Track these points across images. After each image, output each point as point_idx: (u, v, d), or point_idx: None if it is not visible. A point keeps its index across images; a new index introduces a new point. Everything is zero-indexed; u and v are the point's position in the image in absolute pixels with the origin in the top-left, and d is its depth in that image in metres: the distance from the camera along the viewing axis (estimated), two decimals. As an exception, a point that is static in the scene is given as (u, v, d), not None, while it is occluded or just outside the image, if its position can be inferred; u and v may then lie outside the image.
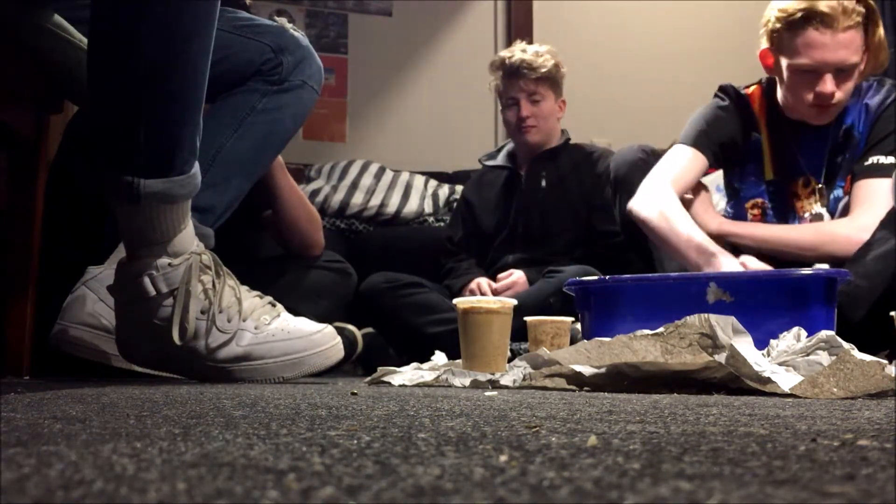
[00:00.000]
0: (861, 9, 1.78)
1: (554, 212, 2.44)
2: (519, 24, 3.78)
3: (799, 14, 1.78)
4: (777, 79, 1.94)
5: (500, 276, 2.35)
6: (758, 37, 1.97)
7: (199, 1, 1.09)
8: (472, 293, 2.32)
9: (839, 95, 1.82)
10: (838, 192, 1.91)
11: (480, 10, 3.84)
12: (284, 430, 0.50)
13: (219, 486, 0.30)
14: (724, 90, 2.04)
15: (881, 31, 1.82)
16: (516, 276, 2.32)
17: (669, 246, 1.87)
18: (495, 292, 2.30)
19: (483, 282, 2.35)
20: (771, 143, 1.97)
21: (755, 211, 2.01)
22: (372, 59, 3.70)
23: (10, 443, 0.42)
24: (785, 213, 1.95)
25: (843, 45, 1.77)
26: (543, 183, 2.46)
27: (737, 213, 2.04)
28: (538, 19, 3.83)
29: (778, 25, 1.84)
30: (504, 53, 2.52)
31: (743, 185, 2.03)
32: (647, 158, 2.07)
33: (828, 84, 1.80)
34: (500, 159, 2.57)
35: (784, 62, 1.86)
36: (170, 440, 0.44)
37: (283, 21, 1.52)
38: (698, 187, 2.01)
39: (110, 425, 0.52)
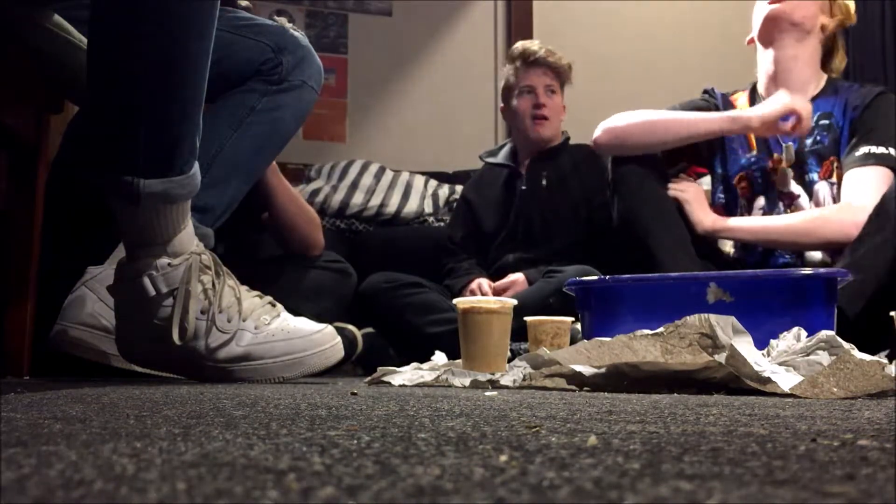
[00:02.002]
0: None
1: (554, 211, 2.43)
2: (519, 24, 3.78)
3: None
4: (759, 54, 2.14)
5: (500, 282, 2.34)
6: None
7: (198, 1, 1.09)
8: (473, 293, 2.32)
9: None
10: (813, 175, 2.00)
11: (480, 10, 3.84)
12: (284, 430, 0.50)
13: (219, 486, 0.30)
14: (707, 91, 2.23)
15: None
16: (515, 277, 2.31)
17: (671, 129, 2.03)
18: (495, 292, 2.30)
19: (483, 282, 2.35)
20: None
21: (743, 184, 2.09)
22: (372, 59, 3.70)
23: (10, 443, 0.42)
24: (767, 185, 2.05)
25: None
26: (544, 182, 2.46)
27: (727, 192, 2.10)
28: (538, 19, 3.83)
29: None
30: (525, 44, 2.54)
31: (728, 161, 2.11)
32: (645, 155, 2.07)
33: None
34: (502, 157, 2.56)
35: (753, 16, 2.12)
36: (170, 440, 0.44)
37: (282, 21, 1.52)
38: (691, 186, 2.05)
39: (110, 425, 0.52)
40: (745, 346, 1.06)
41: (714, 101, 2.18)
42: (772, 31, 2.08)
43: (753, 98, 2.14)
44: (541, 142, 2.48)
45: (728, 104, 2.16)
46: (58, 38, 1.35)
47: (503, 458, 0.38)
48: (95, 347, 1.33)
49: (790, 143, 2.02)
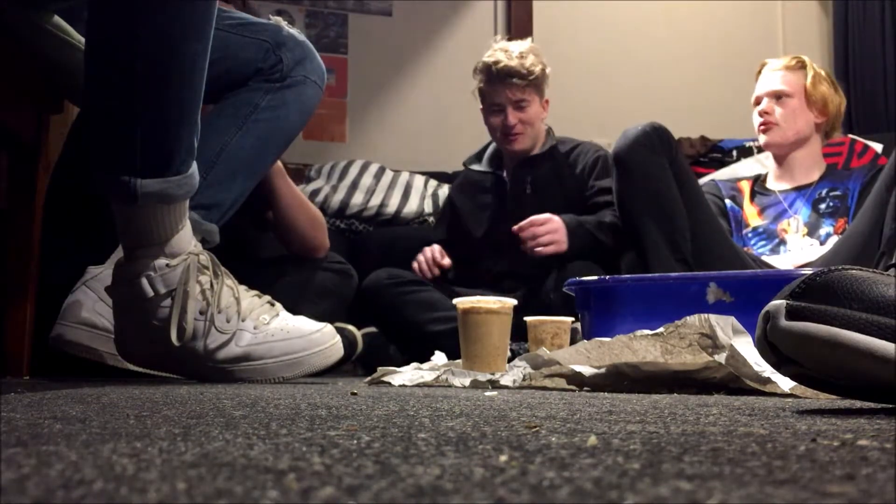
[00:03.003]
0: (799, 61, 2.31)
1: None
2: (519, 24, 3.78)
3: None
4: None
5: (535, 217, 2.20)
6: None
7: (196, 1, 1.09)
8: (420, 262, 2.31)
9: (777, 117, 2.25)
10: (829, 229, 2.15)
11: (480, 10, 3.84)
12: (284, 430, 0.50)
13: (219, 486, 0.30)
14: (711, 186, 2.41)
15: (816, 79, 2.26)
16: (548, 216, 2.20)
17: None
18: (527, 229, 2.21)
19: (435, 248, 2.33)
20: (753, 203, 2.30)
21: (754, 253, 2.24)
22: (372, 59, 3.70)
23: (10, 443, 0.42)
24: (776, 246, 2.20)
25: (776, 77, 2.27)
26: (528, 190, 2.38)
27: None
28: (538, 19, 3.83)
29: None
30: (488, 59, 2.37)
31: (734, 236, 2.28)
32: (653, 134, 2.02)
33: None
34: (485, 162, 2.48)
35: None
36: (170, 440, 0.44)
37: (278, 20, 1.52)
38: None
39: (110, 425, 0.52)
40: (745, 346, 1.06)
41: (720, 196, 2.31)
42: (770, 149, 2.31)
43: (755, 186, 2.32)
44: (517, 154, 2.40)
45: (736, 190, 2.34)
46: (57, 38, 1.35)
47: (503, 458, 0.38)
48: (95, 348, 1.33)
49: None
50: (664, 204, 1.98)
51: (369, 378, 1.33)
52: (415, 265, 2.36)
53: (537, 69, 2.34)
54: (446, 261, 2.35)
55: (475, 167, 2.50)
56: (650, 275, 1.76)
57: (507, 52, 2.36)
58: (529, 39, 2.47)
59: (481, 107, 2.46)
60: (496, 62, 2.34)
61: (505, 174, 2.45)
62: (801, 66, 2.29)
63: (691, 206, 2.01)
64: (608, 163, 2.25)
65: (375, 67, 3.70)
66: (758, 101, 2.31)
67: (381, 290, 2.25)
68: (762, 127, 2.27)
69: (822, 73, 2.30)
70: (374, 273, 2.29)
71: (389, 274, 2.29)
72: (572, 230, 2.20)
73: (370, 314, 2.28)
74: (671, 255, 1.94)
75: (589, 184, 2.34)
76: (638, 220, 1.99)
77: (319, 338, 1.31)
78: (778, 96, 2.26)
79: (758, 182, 2.35)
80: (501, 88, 2.35)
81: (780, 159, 2.31)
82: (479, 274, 2.39)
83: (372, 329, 2.27)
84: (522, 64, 2.33)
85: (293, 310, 1.37)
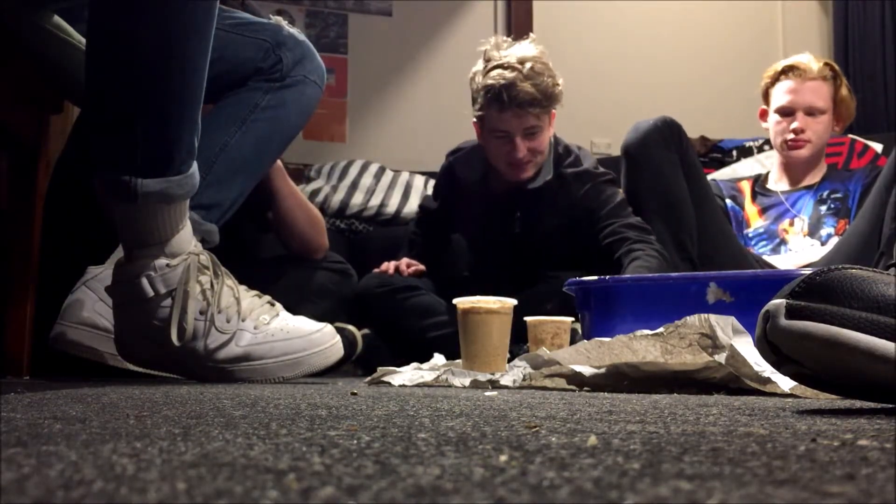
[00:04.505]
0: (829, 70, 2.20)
1: (531, 249, 2.22)
2: (519, 24, 3.78)
3: (779, 68, 2.23)
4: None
5: None
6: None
7: (197, 1, 1.09)
8: (388, 265, 2.26)
9: (810, 134, 2.17)
10: (830, 230, 2.13)
11: (480, 10, 3.84)
12: (284, 430, 0.50)
13: (219, 486, 0.30)
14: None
15: (844, 90, 2.21)
16: None
17: None
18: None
19: (402, 263, 2.28)
20: (755, 203, 2.26)
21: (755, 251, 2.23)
22: (372, 59, 3.70)
23: (10, 443, 0.42)
24: (777, 246, 2.19)
25: (811, 91, 2.17)
26: (517, 228, 2.20)
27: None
28: (538, 19, 3.83)
29: (767, 81, 2.26)
30: (494, 81, 2.03)
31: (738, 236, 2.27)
32: (665, 128, 1.97)
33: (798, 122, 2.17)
34: (475, 171, 2.24)
35: (770, 109, 2.24)
36: (170, 440, 0.44)
37: (278, 19, 1.52)
38: None
39: (110, 425, 0.52)
40: (745, 346, 1.06)
41: (721, 196, 2.27)
42: (793, 161, 2.23)
43: (755, 187, 2.28)
44: (521, 182, 2.15)
45: (736, 190, 2.30)
46: (57, 38, 1.35)
47: (503, 458, 0.38)
48: (95, 347, 1.33)
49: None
50: (673, 202, 1.97)
51: (369, 378, 1.33)
52: (384, 266, 2.27)
53: (557, 90, 2.04)
54: (412, 269, 2.28)
55: (466, 175, 2.27)
56: (650, 275, 1.76)
57: (517, 70, 2.01)
58: (530, 38, 2.13)
59: (478, 131, 2.18)
60: (508, 86, 2.00)
61: (493, 193, 2.21)
62: (834, 75, 2.17)
63: (699, 203, 2.00)
64: (604, 193, 2.07)
65: (375, 67, 3.70)
66: (784, 112, 2.17)
67: (373, 299, 2.19)
68: (793, 143, 2.16)
69: (842, 76, 2.22)
70: (365, 279, 2.22)
71: (380, 281, 2.22)
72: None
73: (366, 320, 2.26)
74: (676, 253, 1.93)
75: (600, 222, 2.07)
76: (645, 216, 1.98)
77: (319, 338, 1.32)
78: (812, 112, 2.15)
79: (758, 182, 2.31)
80: (513, 118, 2.03)
81: (789, 163, 2.24)
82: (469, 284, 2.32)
83: (367, 330, 2.26)
84: (537, 86, 2.00)
85: (293, 310, 1.37)
